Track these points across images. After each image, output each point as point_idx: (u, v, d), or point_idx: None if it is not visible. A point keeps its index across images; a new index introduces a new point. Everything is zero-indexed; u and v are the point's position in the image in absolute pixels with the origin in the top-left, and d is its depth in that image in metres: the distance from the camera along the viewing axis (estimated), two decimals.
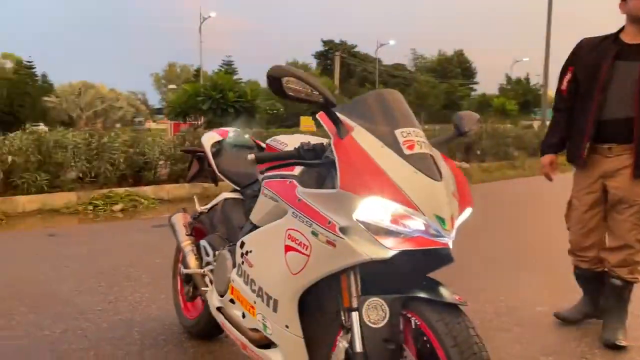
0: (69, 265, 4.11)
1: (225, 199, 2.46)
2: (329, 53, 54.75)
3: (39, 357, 2.50)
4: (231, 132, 2.66)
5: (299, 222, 1.63)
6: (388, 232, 1.47)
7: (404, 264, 1.55)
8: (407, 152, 1.53)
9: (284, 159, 1.66)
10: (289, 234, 1.67)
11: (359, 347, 1.49)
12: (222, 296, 2.13)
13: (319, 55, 57.91)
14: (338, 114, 1.63)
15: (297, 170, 1.77)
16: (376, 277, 1.57)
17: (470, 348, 1.38)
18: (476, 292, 3.39)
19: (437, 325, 1.42)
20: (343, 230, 1.49)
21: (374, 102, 1.68)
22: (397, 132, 1.57)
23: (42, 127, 16.14)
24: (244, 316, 1.98)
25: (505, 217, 6.59)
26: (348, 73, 53.60)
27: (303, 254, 1.62)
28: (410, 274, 1.57)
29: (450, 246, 1.57)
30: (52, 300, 3.31)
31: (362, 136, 1.56)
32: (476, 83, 60.48)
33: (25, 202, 6.69)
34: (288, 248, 1.67)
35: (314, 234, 1.57)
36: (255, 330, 1.92)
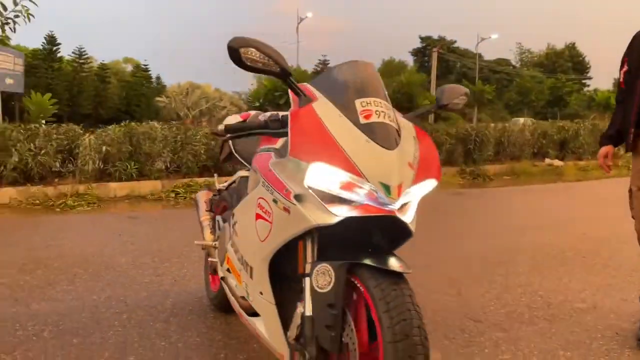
0: (135, 243, 4.49)
1: (241, 177, 2.58)
2: (427, 49, 53.51)
3: (80, 317, 2.78)
4: (252, 115, 2.77)
5: (265, 191, 1.70)
6: (336, 199, 1.49)
7: (359, 232, 1.56)
8: (363, 121, 1.54)
9: (250, 129, 1.73)
10: (259, 203, 1.74)
11: (308, 311, 1.53)
12: (222, 266, 2.25)
13: (416, 52, 56.82)
14: (308, 85, 1.67)
15: (280, 143, 1.83)
16: (334, 245, 1.59)
17: (401, 314, 1.36)
18: (525, 284, 3.26)
19: (374, 290, 1.41)
20: (297, 197, 1.54)
21: (343, 73, 1.69)
22: (357, 101, 1.58)
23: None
24: (236, 285, 2.09)
25: (581, 217, 6.12)
26: (447, 69, 52.09)
27: (267, 221, 1.68)
28: (364, 243, 1.57)
29: (406, 219, 1.55)
30: (110, 270, 3.65)
31: (322, 106, 1.59)
32: (589, 78, 55.94)
33: (117, 188, 7.36)
34: (257, 216, 1.75)
35: (275, 201, 1.63)
36: (244, 298, 2.01)
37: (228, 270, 2.16)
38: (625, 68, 2.72)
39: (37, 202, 6.73)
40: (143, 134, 7.81)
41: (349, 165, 1.46)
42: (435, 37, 56.01)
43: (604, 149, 2.83)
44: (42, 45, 36.65)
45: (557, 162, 11.86)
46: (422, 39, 56.52)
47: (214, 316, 2.81)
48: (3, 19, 7.35)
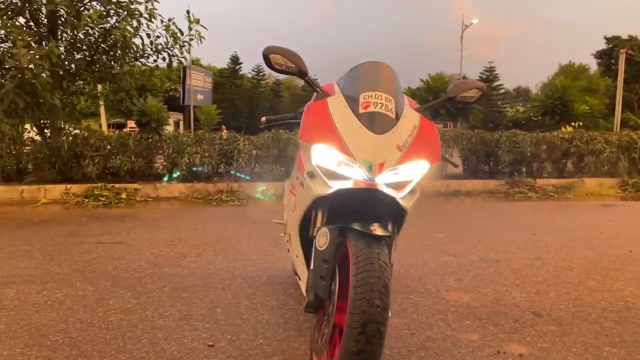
0: (260, 230, 5.17)
1: None
2: (613, 51, 47.98)
3: (195, 280, 3.44)
4: None
5: (295, 171, 2.09)
6: (336, 175, 1.82)
7: (357, 202, 1.85)
8: (361, 110, 1.84)
9: (285, 119, 2.14)
10: (292, 182, 2.14)
11: (311, 265, 1.87)
12: (284, 237, 2.68)
13: (600, 54, 51.31)
14: (334, 83, 2.03)
15: None
16: (342, 215, 1.90)
17: (365, 266, 1.63)
18: (616, 290, 3.11)
19: (353, 248, 1.70)
20: (309, 174, 1.90)
21: (360, 72, 2.02)
22: (362, 94, 1.89)
23: None
24: (289, 250, 2.49)
25: None
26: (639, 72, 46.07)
27: (294, 195, 2.07)
28: (362, 213, 1.85)
29: (397, 195, 1.80)
30: (232, 249, 4.32)
31: (335, 99, 1.93)
32: None
33: (264, 187, 8.30)
34: (291, 193, 2.14)
35: (297, 178, 2.01)
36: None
37: (288, 241, 2.58)
38: None
39: (200, 196, 7.94)
40: (288, 139, 8.66)
41: (342, 146, 1.78)
42: (625, 36, 49.92)
43: None
44: (227, 65, 41.46)
45: None
46: (608, 40, 50.86)
47: (296, 287, 3.25)
48: (180, 42, 8.83)
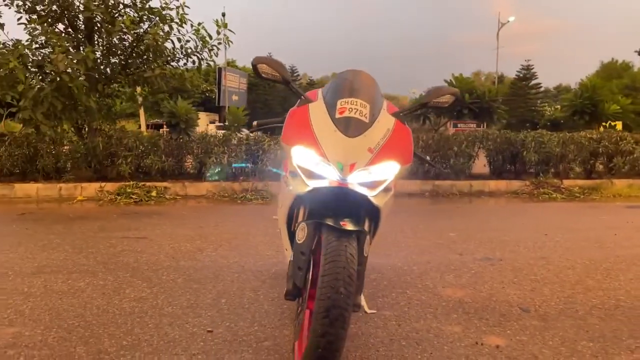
0: (275, 227, 5.36)
1: None
2: None
3: (211, 273, 3.67)
4: None
5: (283, 172, 2.27)
6: (312, 174, 1.99)
7: (333, 200, 2.02)
8: (337, 115, 2.02)
9: (274, 123, 2.32)
10: (282, 181, 2.32)
11: (290, 257, 2.06)
12: None
13: None
14: (319, 90, 2.21)
15: None
16: (318, 210, 2.07)
17: (332, 257, 1.79)
18: (611, 289, 3.17)
19: (324, 241, 1.88)
20: (291, 173, 2.08)
21: (342, 79, 2.19)
22: (340, 101, 2.06)
23: None
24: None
25: None
26: None
27: (281, 193, 2.25)
28: (337, 210, 2.01)
29: (369, 194, 1.96)
30: (245, 245, 4.55)
31: (317, 106, 2.11)
32: None
33: None
34: (280, 191, 2.33)
35: (283, 178, 2.20)
36: None
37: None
38: None
39: (226, 195, 8.22)
40: None
41: (318, 148, 1.96)
42: None
43: None
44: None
45: None
46: None
47: None
48: (209, 46, 9.15)
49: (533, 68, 41.77)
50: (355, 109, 2.03)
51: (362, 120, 2.01)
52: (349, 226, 1.90)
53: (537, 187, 8.89)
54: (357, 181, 1.95)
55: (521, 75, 41.46)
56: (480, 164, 9.81)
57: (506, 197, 8.60)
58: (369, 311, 2.82)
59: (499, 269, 3.76)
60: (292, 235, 2.30)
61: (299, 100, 2.18)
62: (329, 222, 1.93)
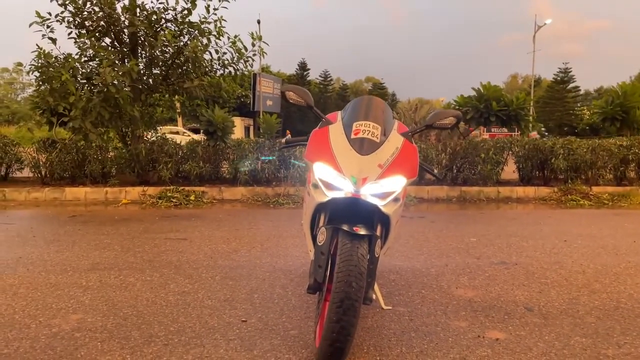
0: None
1: None
2: None
3: (240, 272, 4.06)
4: None
5: (307, 183, 2.63)
6: (332, 186, 2.34)
7: (348, 208, 2.36)
8: (352, 136, 2.36)
9: (299, 142, 2.68)
10: (306, 190, 2.68)
11: (312, 257, 2.41)
12: None
13: None
14: (338, 112, 2.56)
15: None
16: (337, 217, 2.41)
17: (346, 257, 2.13)
18: (618, 292, 3.40)
19: (340, 243, 2.22)
20: (314, 185, 2.43)
21: (358, 104, 2.54)
22: (355, 123, 2.40)
23: None
24: None
25: None
26: None
27: (305, 201, 2.60)
28: (352, 216, 2.35)
29: (379, 203, 2.29)
30: (277, 247, 4.93)
31: (335, 127, 2.46)
32: None
33: None
34: (305, 199, 2.68)
35: (307, 188, 2.55)
36: None
37: None
38: None
39: (259, 199, 8.65)
40: None
41: (335, 164, 2.30)
42: None
43: None
44: (295, 71, 42.79)
45: None
46: None
47: None
48: (245, 57, 9.62)
49: (571, 71, 41.04)
50: (368, 130, 2.37)
51: (374, 141, 2.35)
52: (361, 231, 2.24)
53: (565, 194, 8.98)
54: (368, 192, 2.28)
55: (558, 78, 40.76)
56: (510, 171, 9.94)
57: (534, 203, 8.73)
58: (385, 307, 3.14)
59: (512, 272, 4.02)
60: (314, 238, 2.65)
61: (320, 122, 2.54)
62: (344, 227, 2.27)
